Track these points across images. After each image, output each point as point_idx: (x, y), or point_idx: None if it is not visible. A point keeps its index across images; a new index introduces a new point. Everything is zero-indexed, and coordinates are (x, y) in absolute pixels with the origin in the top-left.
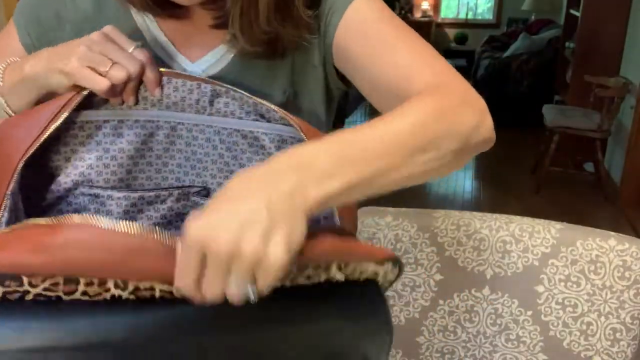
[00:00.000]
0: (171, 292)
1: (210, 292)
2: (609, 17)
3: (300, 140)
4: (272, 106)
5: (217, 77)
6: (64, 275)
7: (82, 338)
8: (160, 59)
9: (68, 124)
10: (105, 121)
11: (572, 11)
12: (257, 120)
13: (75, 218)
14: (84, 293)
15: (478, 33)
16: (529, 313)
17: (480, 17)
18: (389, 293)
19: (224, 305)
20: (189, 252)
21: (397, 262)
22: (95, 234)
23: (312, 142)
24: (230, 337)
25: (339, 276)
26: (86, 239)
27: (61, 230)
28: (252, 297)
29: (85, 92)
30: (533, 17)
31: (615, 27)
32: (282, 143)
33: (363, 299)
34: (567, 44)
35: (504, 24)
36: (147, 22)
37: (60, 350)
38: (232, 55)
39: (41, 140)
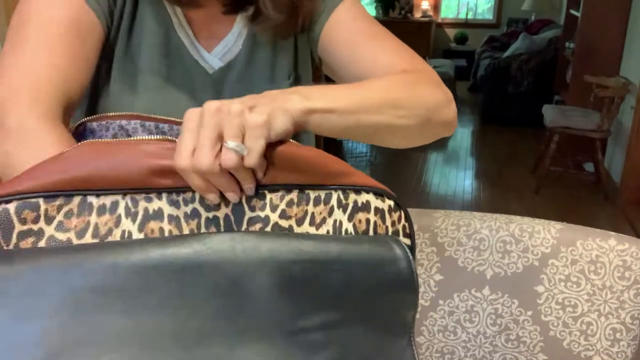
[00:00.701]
0: (179, 227)
1: (204, 156)
2: (609, 17)
3: None
4: None
5: (230, 65)
6: (74, 188)
7: (96, 282)
8: (185, 47)
9: None
10: None
11: (572, 11)
12: None
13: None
14: (95, 231)
15: (478, 33)
16: (529, 313)
17: (480, 17)
18: None
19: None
20: (186, 123)
21: (397, 203)
22: (99, 144)
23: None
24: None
25: (346, 223)
26: (91, 151)
27: (65, 152)
28: (244, 152)
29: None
30: (533, 17)
31: (615, 27)
32: None
33: (386, 256)
34: (567, 44)
35: (504, 24)
36: (176, 9)
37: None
38: (241, 43)
39: None
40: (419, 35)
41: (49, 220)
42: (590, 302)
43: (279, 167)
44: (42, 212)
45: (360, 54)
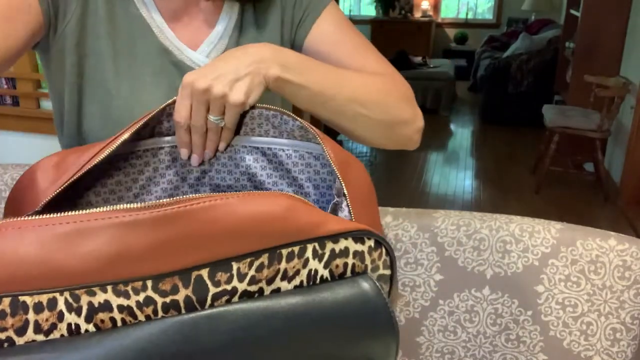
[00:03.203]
0: (133, 314)
1: (196, 119)
2: (609, 17)
3: (316, 157)
4: (292, 115)
5: None
6: (5, 292)
7: None
8: (168, 49)
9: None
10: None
11: (572, 11)
12: (275, 137)
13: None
14: (37, 327)
15: (478, 33)
16: (529, 313)
17: (480, 17)
18: None
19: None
20: (182, 91)
21: (378, 241)
22: (28, 229)
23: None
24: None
25: (322, 270)
26: (19, 238)
27: None
28: (222, 124)
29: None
30: (533, 17)
31: (615, 27)
32: (300, 159)
33: (361, 301)
34: (567, 43)
35: (504, 24)
36: (152, 14)
37: None
38: (227, 39)
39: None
40: (419, 35)
41: None
42: (590, 302)
43: (247, 235)
44: None
45: (340, 63)
